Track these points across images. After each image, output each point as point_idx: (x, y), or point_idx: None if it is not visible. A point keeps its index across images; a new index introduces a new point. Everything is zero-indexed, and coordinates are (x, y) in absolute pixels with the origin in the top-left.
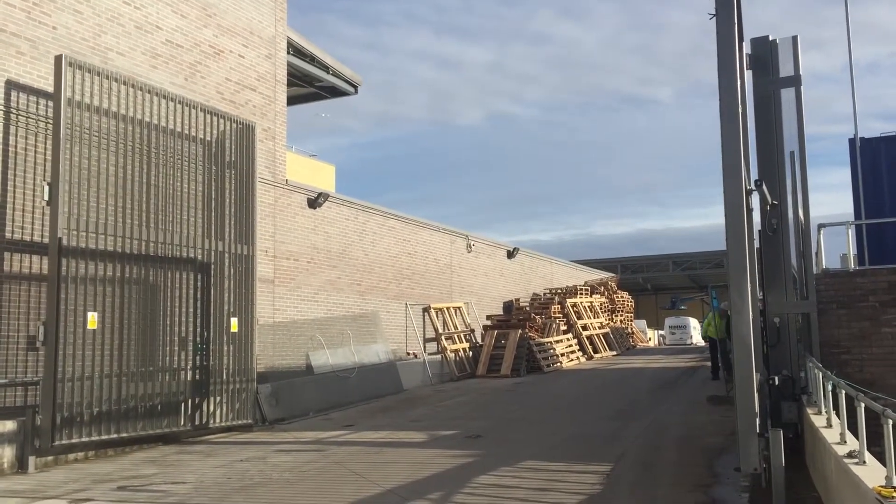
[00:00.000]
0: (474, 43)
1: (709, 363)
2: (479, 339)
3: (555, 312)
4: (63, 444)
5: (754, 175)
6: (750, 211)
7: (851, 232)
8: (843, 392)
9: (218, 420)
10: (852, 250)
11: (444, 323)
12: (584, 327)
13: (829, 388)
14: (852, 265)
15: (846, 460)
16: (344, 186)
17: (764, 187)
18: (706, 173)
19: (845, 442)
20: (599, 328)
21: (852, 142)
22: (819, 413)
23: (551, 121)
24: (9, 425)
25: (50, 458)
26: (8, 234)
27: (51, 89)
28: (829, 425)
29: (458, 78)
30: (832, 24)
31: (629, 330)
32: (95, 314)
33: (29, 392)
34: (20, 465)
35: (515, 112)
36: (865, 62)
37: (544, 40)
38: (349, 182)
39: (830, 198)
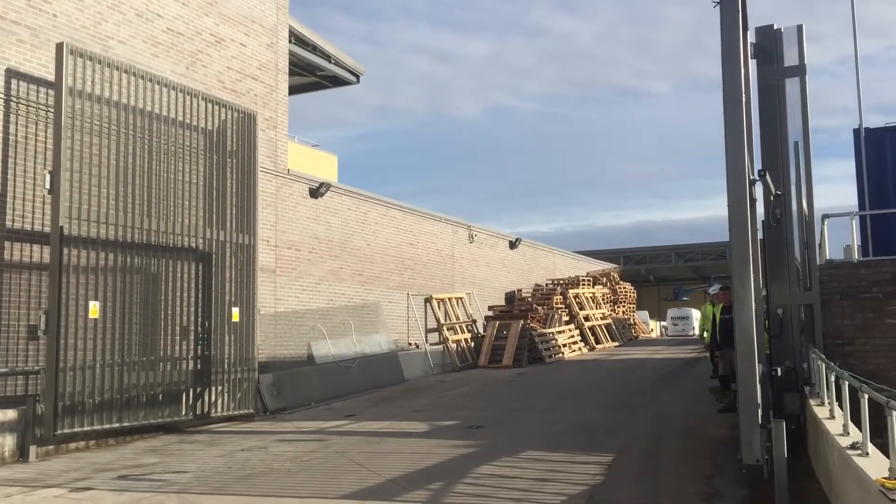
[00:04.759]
0: (471, 36)
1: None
2: (481, 330)
3: (557, 303)
4: (64, 433)
5: (758, 165)
6: (753, 201)
7: (855, 223)
8: (847, 383)
9: (219, 410)
10: (856, 241)
11: (446, 313)
12: (587, 318)
13: (832, 379)
14: (856, 256)
15: (849, 452)
16: (346, 177)
17: (768, 177)
18: (705, 166)
19: (848, 433)
20: (601, 319)
21: (857, 132)
22: (822, 404)
23: (550, 113)
24: (10, 414)
25: (51, 447)
26: (9, 223)
27: (51, 78)
28: (832, 416)
29: (455, 71)
30: (828, 18)
31: (631, 321)
32: (97, 303)
33: (30, 381)
34: (21, 454)
35: (514, 105)
36: (860, 55)
37: (541, 33)
38: (351, 173)
39: (827, 190)
